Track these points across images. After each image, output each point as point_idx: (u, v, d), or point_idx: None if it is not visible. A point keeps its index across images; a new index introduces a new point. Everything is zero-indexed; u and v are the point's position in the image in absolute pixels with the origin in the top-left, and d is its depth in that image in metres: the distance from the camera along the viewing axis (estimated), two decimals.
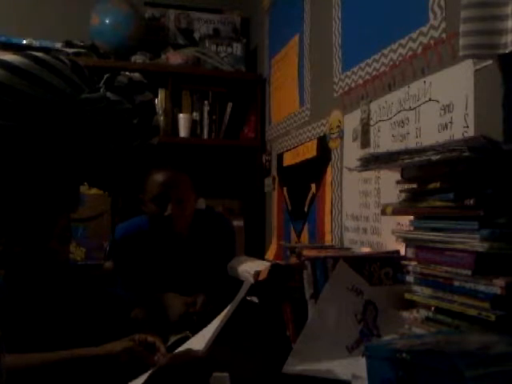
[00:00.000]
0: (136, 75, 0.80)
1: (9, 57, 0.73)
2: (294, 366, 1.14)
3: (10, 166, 0.70)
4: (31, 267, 1.30)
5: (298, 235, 2.32)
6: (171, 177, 1.78)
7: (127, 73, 0.79)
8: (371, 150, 1.68)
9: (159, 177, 1.78)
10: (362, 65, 1.76)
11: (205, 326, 1.18)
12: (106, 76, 0.78)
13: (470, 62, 1.22)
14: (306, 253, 1.41)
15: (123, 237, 1.89)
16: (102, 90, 0.76)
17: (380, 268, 1.30)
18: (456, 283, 0.97)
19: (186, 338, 1.29)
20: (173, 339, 1.36)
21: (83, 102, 0.73)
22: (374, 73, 1.68)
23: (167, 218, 1.75)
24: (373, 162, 1.14)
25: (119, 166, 0.79)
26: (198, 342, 1.08)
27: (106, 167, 0.78)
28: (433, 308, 1.04)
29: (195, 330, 1.24)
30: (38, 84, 0.71)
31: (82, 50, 2.73)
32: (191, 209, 1.84)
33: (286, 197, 2.49)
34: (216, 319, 1.14)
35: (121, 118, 0.75)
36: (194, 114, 2.86)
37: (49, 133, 0.71)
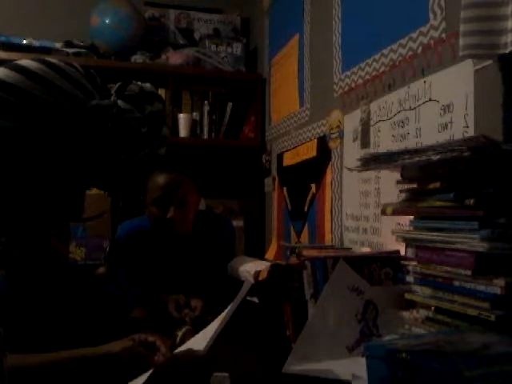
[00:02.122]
0: (147, 85, 0.80)
1: (24, 61, 0.74)
2: (294, 365, 1.14)
3: (19, 168, 0.70)
4: (32, 266, 1.30)
5: (298, 235, 2.32)
6: (173, 179, 1.77)
7: (139, 82, 0.80)
8: (371, 149, 1.68)
9: (161, 179, 1.77)
10: (362, 65, 1.76)
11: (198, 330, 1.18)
12: (117, 84, 0.78)
13: (469, 62, 1.22)
14: (306, 253, 1.41)
15: (125, 236, 1.88)
16: (112, 97, 0.76)
17: (380, 268, 1.30)
18: (456, 283, 0.98)
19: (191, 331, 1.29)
20: (180, 333, 1.35)
21: (94, 108, 0.73)
22: (374, 73, 1.68)
23: (169, 221, 1.75)
24: (373, 162, 1.14)
25: (124, 172, 0.79)
26: (199, 341, 1.08)
27: (111, 173, 0.79)
28: (433, 308, 1.04)
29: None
30: (51, 89, 0.72)
31: (82, 50, 2.73)
32: (193, 211, 1.83)
33: (286, 197, 2.49)
34: (217, 319, 1.14)
35: (130, 126, 0.76)
36: (194, 113, 2.86)
37: (58, 137, 0.72)
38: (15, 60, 0.75)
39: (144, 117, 0.77)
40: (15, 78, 0.71)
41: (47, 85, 0.72)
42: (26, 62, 0.74)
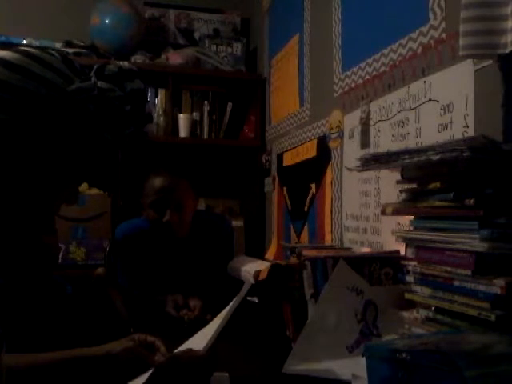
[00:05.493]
0: (125, 64, 0.80)
1: (0, 53, 0.74)
2: (294, 365, 1.14)
3: (4, 159, 0.70)
4: (24, 262, 1.30)
5: (298, 235, 2.32)
6: (169, 182, 1.76)
7: (117, 62, 0.80)
8: (371, 149, 1.68)
9: (157, 182, 1.76)
10: (362, 65, 1.76)
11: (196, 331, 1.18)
12: (95, 66, 0.78)
13: (469, 61, 1.22)
14: (306, 253, 1.40)
15: (124, 237, 1.89)
16: (92, 79, 0.76)
17: (380, 268, 1.30)
18: (456, 283, 0.98)
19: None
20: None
21: (74, 92, 0.73)
22: (374, 73, 1.68)
23: (166, 224, 1.75)
24: (373, 162, 1.14)
25: (114, 155, 0.79)
26: (199, 341, 1.08)
27: (101, 158, 0.79)
28: (433, 308, 1.05)
29: (186, 334, 1.22)
30: (30, 77, 0.72)
31: (82, 50, 2.73)
32: (190, 214, 1.82)
33: (286, 197, 2.49)
34: (216, 318, 1.14)
35: (113, 106, 0.76)
36: (194, 114, 2.86)
37: (42, 125, 0.72)
38: None
39: (126, 95, 0.77)
40: None
41: (26, 73, 0.72)
42: (2, 52, 0.74)
